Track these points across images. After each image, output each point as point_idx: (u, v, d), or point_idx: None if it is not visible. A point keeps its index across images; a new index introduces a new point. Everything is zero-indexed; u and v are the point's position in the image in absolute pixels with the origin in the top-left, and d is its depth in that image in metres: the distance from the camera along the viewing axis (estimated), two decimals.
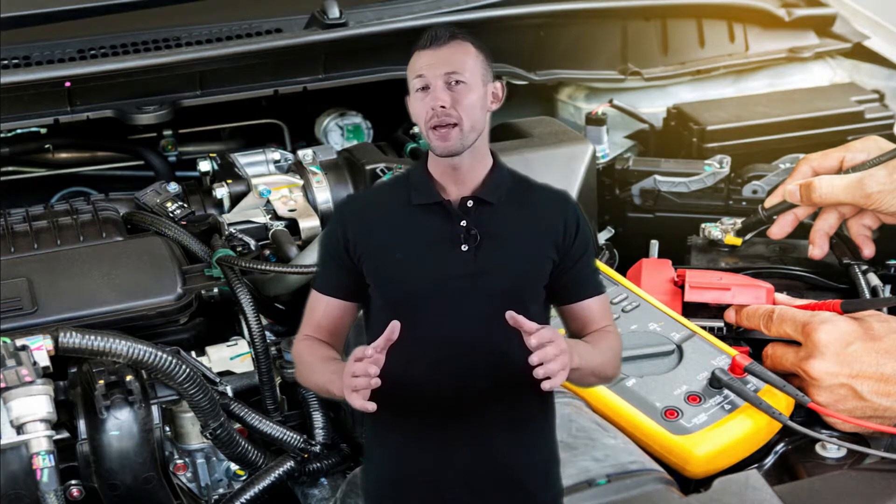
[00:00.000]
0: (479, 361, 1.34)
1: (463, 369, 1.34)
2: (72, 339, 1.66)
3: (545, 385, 1.25)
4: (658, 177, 2.33)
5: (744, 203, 2.29)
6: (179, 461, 1.92)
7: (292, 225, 2.14)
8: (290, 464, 1.87)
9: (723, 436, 1.72)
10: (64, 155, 2.56)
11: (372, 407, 1.26)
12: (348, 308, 1.42)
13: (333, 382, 1.31)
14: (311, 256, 1.95)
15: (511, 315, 1.26)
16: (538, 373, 1.25)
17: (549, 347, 1.25)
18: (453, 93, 1.32)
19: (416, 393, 1.35)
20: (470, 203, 1.35)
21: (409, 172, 1.40)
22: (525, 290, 1.36)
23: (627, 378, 1.79)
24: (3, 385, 1.58)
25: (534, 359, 1.25)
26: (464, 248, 1.34)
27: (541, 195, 1.40)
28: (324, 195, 2.21)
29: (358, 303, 1.42)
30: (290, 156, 2.32)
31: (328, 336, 1.41)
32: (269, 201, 2.18)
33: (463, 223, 1.35)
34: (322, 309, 1.41)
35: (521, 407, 1.35)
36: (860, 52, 2.77)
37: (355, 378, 1.25)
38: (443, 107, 1.31)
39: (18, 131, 2.42)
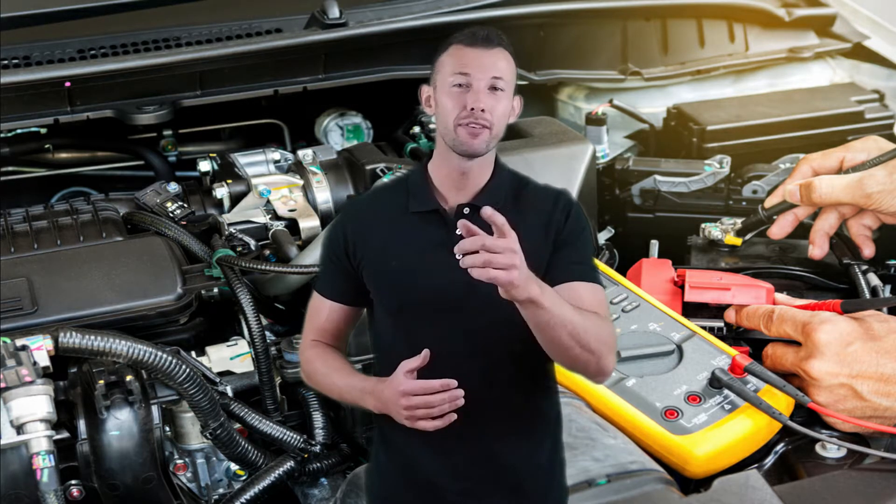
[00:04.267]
0: (477, 368, 1.34)
1: (461, 376, 1.33)
2: (72, 339, 1.66)
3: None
4: (658, 177, 2.33)
5: (744, 203, 2.29)
6: (179, 461, 1.92)
7: (292, 225, 2.14)
8: (290, 464, 1.87)
9: (723, 436, 1.72)
10: (64, 155, 2.56)
11: (441, 423, 1.29)
12: (351, 311, 1.42)
13: (366, 401, 1.34)
14: (311, 256, 1.95)
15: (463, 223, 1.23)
16: (473, 261, 1.21)
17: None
18: (492, 97, 1.32)
19: None
20: (466, 210, 1.35)
21: (409, 176, 1.39)
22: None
23: (627, 378, 1.79)
24: (3, 385, 1.58)
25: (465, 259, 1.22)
26: (459, 256, 1.33)
27: (537, 197, 1.39)
28: (324, 195, 2.21)
29: (360, 306, 1.42)
30: (290, 156, 2.32)
31: (332, 339, 1.43)
32: (269, 201, 2.18)
33: (459, 231, 1.34)
34: (326, 314, 1.42)
35: (521, 412, 1.35)
36: (860, 52, 2.77)
37: (419, 410, 1.29)
38: (483, 109, 1.30)
39: (18, 131, 2.42)
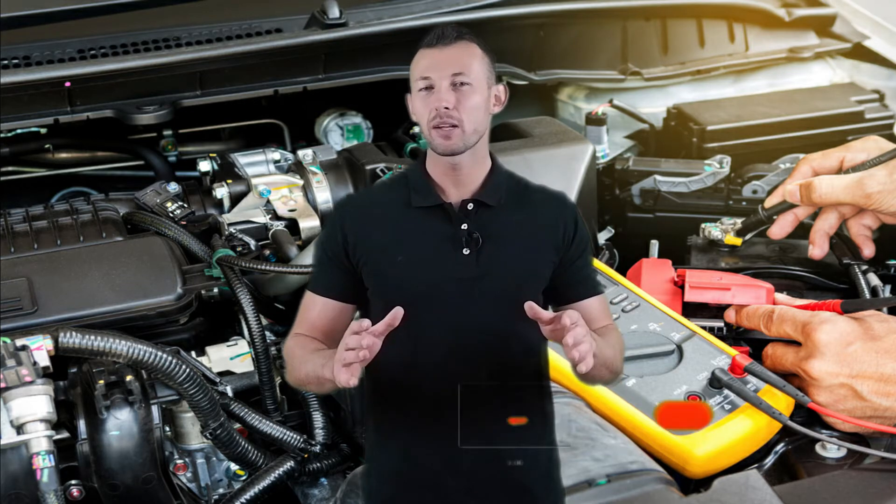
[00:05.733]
0: (480, 364, 1.34)
1: (464, 372, 1.34)
2: (72, 339, 1.66)
3: (580, 368, 1.26)
4: (658, 177, 2.33)
5: (744, 203, 2.29)
6: (179, 461, 1.92)
7: (292, 225, 2.14)
8: (290, 464, 1.87)
9: (723, 436, 1.72)
10: (64, 155, 2.56)
11: (354, 382, 1.24)
12: (344, 309, 1.41)
13: (326, 366, 1.28)
14: (311, 256, 1.95)
15: (530, 306, 1.25)
16: (573, 356, 1.25)
17: (578, 329, 1.25)
18: (457, 94, 1.31)
19: (419, 395, 1.34)
20: (471, 206, 1.35)
21: (408, 173, 1.39)
22: (525, 293, 1.35)
23: (627, 378, 1.79)
24: (3, 385, 1.58)
25: (569, 339, 1.24)
26: (465, 251, 1.34)
27: (539, 197, 1.40)
28: (324, 195, 2.21)
29: (354, 305, 1.41)
30: (290, 156, 2.32)
31: (322, 336, 1.41)
32: (269, 201, 2.18)
33: (464, 226, 1.34)
34: (318, 309, 1.41)
35: (522, 410, 1.35)
36: (860, 52, 2.77)
37: (349, 351, 1.23)
38: (446, 108, 1.30)
39: (18, 131, 2.42)
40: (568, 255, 1.38)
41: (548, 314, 1.26)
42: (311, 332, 1.41)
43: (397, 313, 1.25)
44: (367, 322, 1.24)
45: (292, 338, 1.41)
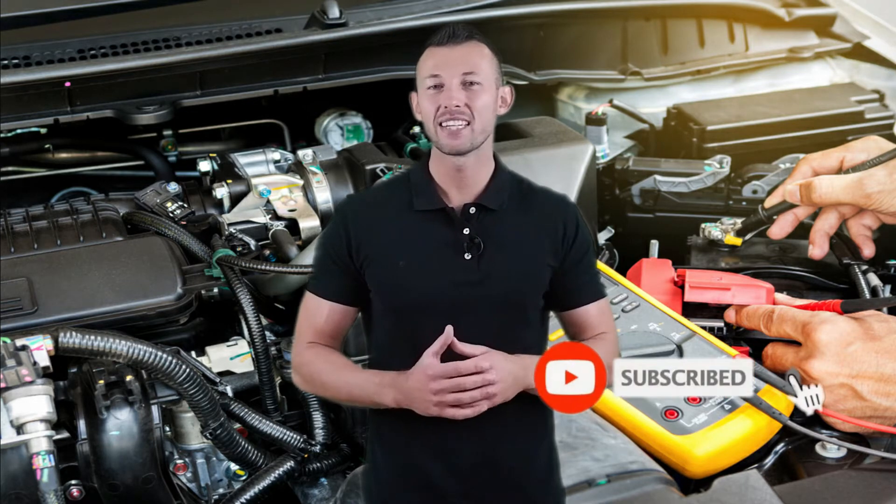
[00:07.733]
0: None
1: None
2: (72, 339, 1.66)
3: (447, 413, 1.28)
4: (658, 177, 2.34)
5: (744, 203, 2.29)
6: (179, 461, 1.92)
7: (292, 225, 2.14)
8: (290, 464, 1.87)
9: (723, 436, 1.72)
10: (64, 155, 2.56)
11: (471, 411, 1.28)
12: (349, 312, 1.41)
13: (384, 395, 1.31)
14: (311, 256, 1.94)
15: (452, 342, 1.28)
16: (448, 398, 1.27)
17: (468, 379, 1.27)
18: (467, 93, 1.31)
19: None
20: (472, 210, 1.35)
21: (410, 174, 1.39)
22: (526, 298, 1.36)
23: None
24: (3, 385, 1.58)
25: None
26: (467, 256, 1.34)
27: (541, 200, 1.39)
28: (324, 195, 2.21)
29: (358, 306, 1.41)
30: (290, 156, 2.32)
31: (330, 340, 1.41)
32: (269, 201, 2.18)
33: (466, 231, 1.34)
34: (325, 314, 1.40)
35: (521, 413, 1.35)
36: (860, 52, 2.78)
37: (450, 394, 1.27)
38: (457, 105, 1.30)
39: (18, 131, 2.42)
40: (567, 258, 1.37)
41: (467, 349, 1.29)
42: (320, 338, 1.40)
43: (449, 332, 1.28)
44: (451, 366, 1.28)
45: (309, 349, 1.40)
